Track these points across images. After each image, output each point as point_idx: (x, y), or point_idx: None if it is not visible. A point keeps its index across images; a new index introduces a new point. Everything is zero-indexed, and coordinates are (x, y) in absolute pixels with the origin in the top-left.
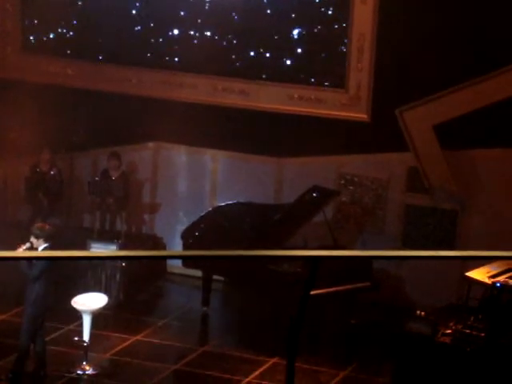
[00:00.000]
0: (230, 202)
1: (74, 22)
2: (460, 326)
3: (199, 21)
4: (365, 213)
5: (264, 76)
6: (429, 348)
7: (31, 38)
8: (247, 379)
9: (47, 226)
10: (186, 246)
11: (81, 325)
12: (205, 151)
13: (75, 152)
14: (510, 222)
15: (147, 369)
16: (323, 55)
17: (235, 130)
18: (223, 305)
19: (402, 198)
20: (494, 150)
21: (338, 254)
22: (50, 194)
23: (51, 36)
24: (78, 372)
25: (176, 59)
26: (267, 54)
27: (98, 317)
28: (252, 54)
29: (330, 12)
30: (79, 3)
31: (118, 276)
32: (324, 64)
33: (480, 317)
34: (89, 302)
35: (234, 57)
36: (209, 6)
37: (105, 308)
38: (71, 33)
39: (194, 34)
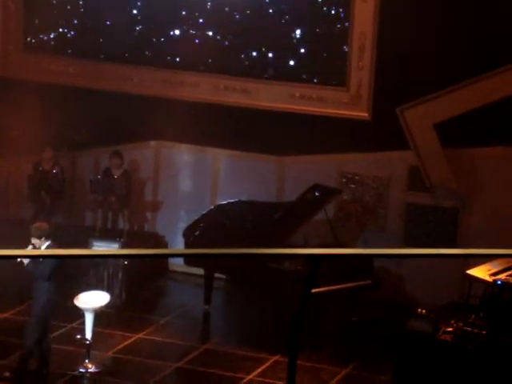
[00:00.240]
0: (232, 201)
1: (75, 21)
2: (461, 324)
3: (201, 20)
4: (366, 211)
5: (266, 75)
6: (430, 346)
7: (33, 37)
8: (249, 377)
9: (44, 225)
10: (187, 244)
11: (83, 323)
12: (206, 150)
13: (77, 151)
14: (511, 219)
15: (149, 367)
16: (325, 54)
17: (237, 128)
18: (225, 303)
19: (402, 197)
20: (494, 149)
21: (339, 253)
22: (53, 193)
23: (53, 35)
24: (81, 370)
25: (177, 59)
26: (269, 54)
27: (100, 315)
28: (254, 54)
29: (332, 12)
30: (80, 2)
31: (120, 274)
32: (325, 63)
33: (481, 315)
34: (91, 300)
35: (235, 56)
36: (210, 6)
37: (107, 306)
38: (73, 32)
39: (196, 33)
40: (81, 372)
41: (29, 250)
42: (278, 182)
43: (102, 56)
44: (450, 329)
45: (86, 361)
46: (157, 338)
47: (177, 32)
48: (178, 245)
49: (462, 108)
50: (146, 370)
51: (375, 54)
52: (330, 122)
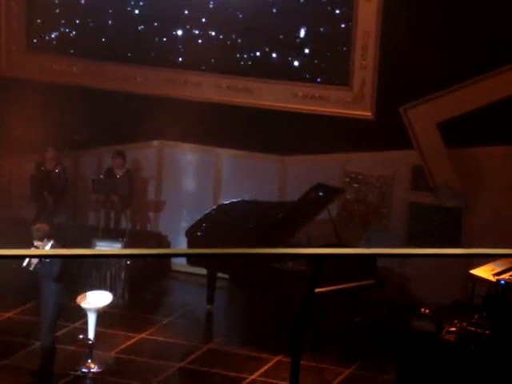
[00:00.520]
0: (235, 200)
1: (77, 21)
2: (464, 324)
3: (203, 20)
4: (369, 211)
5: (268, 74)
6: (433, 346)
7: (36, 36)
8: (252, 377)
9: (44, 227)
10: (190, 244)
11: (86, 323)
12: (209, 149)
13: (80, 150)
14: None
15: (152, 367)
16: (328, 54)
17: (239, 128)
18: (228, 303)
19: (406, 196)
20: (498, 148)
21: (342, 252)
22: (55, 193)
23: (56, 35)
24: (83, 370)
25: (180, 59)
26: (272, 53)
27: (103, 315)
28: (257, 53)
29: (336, 11)
30: (82, 2)
31: (122, 274)
32: (328, 62)
33: (484, 314)
34: (94, 300)
35: (238, 56)
36: (213, 5)
37: (110, 306)
38: (75, 32)
39: (199, 33)
40: (83, 372)
41: (32, 250)
42: (281, 182)
43: (105, 55)
44: (454, 328)
45: (89, 361)
46: (159, 338)
47: (179, 32)
48: (181, 244)
49: (465, 107)
50: (149, 370)
51: (378, 54)
52: (333, 121)
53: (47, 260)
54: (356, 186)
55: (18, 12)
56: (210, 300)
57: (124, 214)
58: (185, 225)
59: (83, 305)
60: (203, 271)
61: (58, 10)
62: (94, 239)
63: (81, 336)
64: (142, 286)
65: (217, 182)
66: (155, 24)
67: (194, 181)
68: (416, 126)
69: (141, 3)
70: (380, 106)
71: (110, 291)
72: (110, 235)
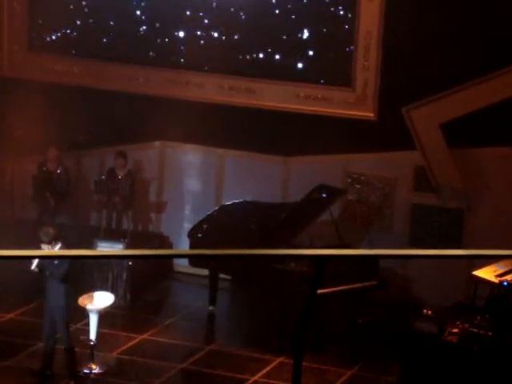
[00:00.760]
0: (237, 201)
1: (78, 22)
2: (467, 325)
3: (206, 21)
4: (371, 212)
5: (271, 75)
6: (436, 347)
7: (38, 37)
8: (254, 378)
9: (50, 230)
10: (192, 245)
11: (87, 324)
12: (211, 150)
13: (82, 151)
14: None
15: (154, 368)
16: (330, 54)
17: (242, 128)
18: (230, 304)
19: (408, 197)
20: (500, 149)
21: (344, 253)
22: (57, 193)
23: (57, 35)
24: (85, 371)
25: (182, 60)
26: (274, 54)
27: (104, 316)
28: (260, 54)
29: (339, 12)
30: (83, 3)
31: (124, 275)
32: (331, 63)
33: (487, 316)
34: (96, 300)
35: (240, 57)
36: (215, 6)
37: (111, 307)
38: (77, 32)
39: (201, 34)
40: (85, 373)
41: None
42: (283, 183)
43: (107, 56)
44: (456, 330)
45: (91, 361)
46: (161, 339)
47: (181, 32)
48: (183, 245)
49: (468, 108)
50: (151, 371)
51: (381, 54)
52: (335, 122)
53: (56, 262)
54: (358, 186)
55: (20, 12)
56: (212, 301)
57: (126, 215)
58: (187, 226)
59: (85, 305)
60: (205, 272)
61: (59, 11)
62: (95, 240)
63: (82, 337)
64: (144, 286)
65: (219, 183)
66: (157, 25)
67: (195, 181)
68: (418, 127)
69: (142, 4)
70: (382, 106)
71: (112, 292)
72: (112, 236)
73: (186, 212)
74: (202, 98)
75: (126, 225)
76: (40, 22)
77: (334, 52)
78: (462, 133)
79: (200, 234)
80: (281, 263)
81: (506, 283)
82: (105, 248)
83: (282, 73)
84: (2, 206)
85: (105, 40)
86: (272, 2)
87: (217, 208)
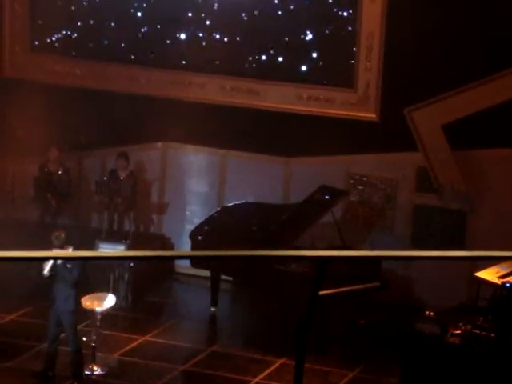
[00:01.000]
0: (238, 202)
1: (79, 23)
2: (469, 327)
3: (208, 22)
4: (373, 213)
5: (273, 76)
6: (438, 348)
7: (39, 38)
8: (256, 379)
9: (63, 234)
10: (194, 246)
11: (89, 325)
12: (213, 151)
13: (83, 152)
14: None
15: (155, 369)
16: (333, 55)
17: (244, 129)
18: (231, 305)
19: (410, 198)
20: (502, 150)
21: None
22: (59, 194)
23: (58, 36)
24: (86, 372)
25: (184, 62)
26: (277, 55)
27: (106, 317)
28: (262, 55)
29: (342, 13)
30: (84, 4)
31: (126, 276)
32: (333, 64)
33: (489, 317)
34: (97, 302)
35: (243, 58)
36: (217, 7)
37: (113, 308)
38: (78, 33)
39: (203, 35)
40: (86, 374)
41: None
42: (285, 184)
43: (108, 57)
44: (459, 331)
45: (92, 363)
46: (163, 341)
47: (183, 34)
48: (185, 247)
49: (470, 109)
50: (152, 373)
51: (383, 55)
52: (337, 123)
53: (69, 266)
54: (360, 188)
55: (22, 14)
56: (214, 302)
57: (127, 216)
58: (188, 227)
59: (86, 307)
60: (207, 273)
61: (60, 12)
62: (97, 241)
63: (84, 338)
64: (146, 288)
65: (221, 184)
66: (158, 26)
67: (197, 182)
68: (421, 128)
69: (144, 5)
70: (384, 107)
71: (114, 293)
72: (114, 237)
73: (188, 213)
74: (203, 99)
75: (128, 226)
76: (40, 22)
77: (337, 53)
78: (463, 134)
79: (201, 236)
80: (282, 264)
81: (508, 284)
82: (106, 249)
83: (284, 74)
84: (2, 206)
85: (106, 41)
86: (274, 3)
87: (218, 209)
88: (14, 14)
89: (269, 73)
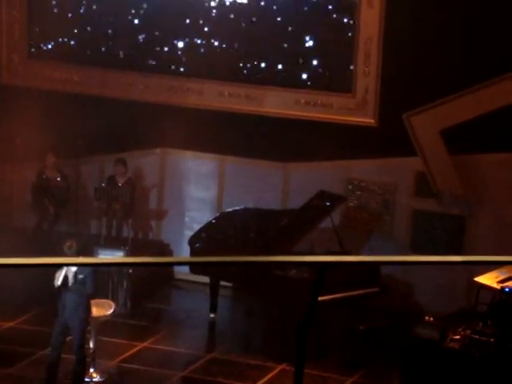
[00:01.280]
0: (237, 208)
1: (75, 30)
2: (469, 332)
3: (206, 29)
4: (372, 218)
5: (271, 81)
6: (437, 354)
7: (37, 45)
8: None
9: (74, 243)
10: (193, 252)
11: (88, 331)
12: (211, 157)
13: (82, 158)
14: None
15: (155, 376)
16: (331, 61)
17: (242, 135)
18: (231, 311)
19: (409, 203)
20: (501, 155)
21: (345, 260)
22: (56, 201)
23: (56, 44)
24: (86, 379)
25: (182, 69)
26: (276, 61)
27: (105, 324)
28: (260, 61)
29: (341, 19)
30: (81, 11)
31: (124, 283)
32: (331, 69)
33: (489, 322)
34: (96, 308)
35: (241, 64)
36: (216, 14)
37: (112, 315)
38: (76, 41)
39: (201, 42)
40: (86, 381)
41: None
42: (284, 189)
43: (106, 64)
44: (458, 336)
45: (91, 370)
46: (162, 347)
47: (181, 41)
48: (184, 253)
49: (468, 114)
50: (152, 379)
51: (381, 60)
52: (335, 128)
53: (81, 276)
54: (359, 193)
55: (19, 20)
56: (213, 308)
57: (126, 223)
58: (187, 233)
59: None
60: (206, 279)
61: (58, 19)
62: (95, 247)
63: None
64: (145, 294)
65: (220, 190)
66: (156, 33)
67: (196, 188)
68: (419, 133)
69: (141, 12)
70: (383, 112)
71: (112, 300)
72: (112, 243)
73: (187, 219)
74: (202, 105)
75: (127, 232)
76: (37, 30)
77: (337, 59)
78: (462, 139)
79: (199, 243)
80: (282, 270)
81: (507, 289)
82: (105, 256)
83: (282, 79)
84: (0, 213)
85: (103, 48)
86: (273, 10)
87: (217, 215)
88: (12, 21)
89: (267, 79)
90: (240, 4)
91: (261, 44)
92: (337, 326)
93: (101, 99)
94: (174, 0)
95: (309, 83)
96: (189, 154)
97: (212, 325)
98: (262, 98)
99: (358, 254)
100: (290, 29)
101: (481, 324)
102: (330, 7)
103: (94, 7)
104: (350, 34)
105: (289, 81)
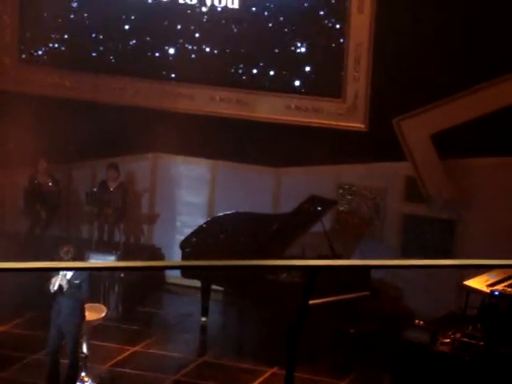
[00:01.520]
0: (229, 212)
1: (65, 36)
2: (459, 335)
3: (197, 35)
4: (363, 222)
5: (262, 87)
6: (428, 357)
7: (28, 50)
8: None
9: (72, 249)
10: (184, 257)
11: (80, 336)
12: (203, 161)
13: (73, 163)
14: (508, 230)
15: (146, 380)
16: (322, 66)
17: (233, 140)
18: (222, 315)
19: (399, 208)
20: (491, 159)
21: (336, 264)
22: (48, 205)
23: (47, 49)
24: (77, 383)
25: (173, 75)
26: (267, 67)
27: (97, 328)
28: (251, 66)
29: (330, 24)
30: (72, 16)
31: (116, 287)
32: (322, 74)
33: (479, 326)
34: (88, 312)
35: (232, 70)
36: (207, 19)
37: (104, 319)
38: (66, 46)
39: (192, 48)
40: None
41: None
42: (275, 194)
43: (97, 69)
44: (448, 340)
45: (83, 374)
46: (154, 351)
47: (172, 47)
48: (175, 257)
49: (458, 119)
50: (143, 383)
51: (371, 65)
52: (326, 133)
53: (76, 282)
54: (350, 197)
55: (11, 25)
56: (205, 312)
57: (118, 227)
58: (179, 237)
59: None
60: (197, 284)
61: (49, 24)
62: (87, 252)
63: None
64: (136, 298)
65: (211, 194)
66: (147, 39)
67: (187, 193)
68: (409, 138)
69: (132, 17)
70: (373, 117)
71: (104, 304)
72: (104, 248)
73: (178, 223)
74: (193, 110)
75: (118, 237)
76: (29, 35)
77: (328, 65)
78: (452, 143)
79: (191, 247)
80: (273, 274)
81: (497, 293)
82: (97, 260)
83: (272, 84)
84: None
85: (94, 54)
86: (265, 16)
87: (209, 219)
88: (3, 26)
89: (258, 84)
90: (231, 10)
91: (252, 49)
92: (327, 330)
93: (92, 104)
94: (165, 6)
95: (300, 89)
96: (180, 158)
97: (203, 329)
98: (253, 103)
99: (348, 258)
100: (281, 34)
101: (471, 327)
102: (322, 13)
103: (85, 13)
104: (341, 40)
105: (280, 86)
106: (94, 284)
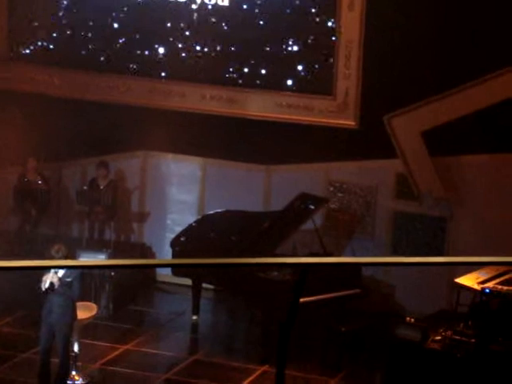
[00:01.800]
0: (219, 210)
1: (54, 34)
2: (450, 333)
3: (187, 33)
4: (354, 220)
5: (253, 84)
6: (419, 355)
7: (17, 48)
8: None
9: (63, 247)
10: (175, 255)
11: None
12: (193, 159)
13: (63, 161)
14: (499, 227)
15: (137, 378)
16: (312, 64)
17: (223, 137)
18: (213, 313)
19: (390, 205)
20: (482, 156)
21: (327, 261)
22: (38, 204)
23: (36, 47)
24: (68, 382)
25: (163, 73)
26: (258, 64)
27: (87, 326)
28: (242, 64)
29: (329, 23)
30: (60, 14)
31: (107, 285)
32: (312, 72)
33: (470, 323)
34: (78, 311)
35: (223, 68)
36: (197, 17)
37: (94, 317)
38: (55, 44)
39: (182, 46)
40: None
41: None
42: (266, 191)
43: (86, 67)
44: (439, 337)
45: (73, 373)
46: (145, 349)
47: (162, 45)
48: (166, 255)
49: (449, 116)
50: (134, 382)
51: (362, 63)
52: (316, 130)
53: (68, 280)
54: (340, 195)
55: (0, 23)
56: (196, 310)
57: (108, 225)
58: (169, 235)
59: None
60: (188, 282)
61: (37, 23)
62: (77, 250)
63: None
64: (127, 297)
65: (201, 192)
66: (137, 37)
67: (178, 191)
68: (400, 135)
69: (122, 15)
70: (364, 115)
71: (95, 302)
72: (94, 246)
73: (169, 222)
74: (183, 108)
75: (109, 235)
76: (18, 33)
77: (316, 61)
78: (443, 140)
79: (183, 244)
80: (264, 272)
81: (488, 290)
82: (87, 258)
83: (263, 82)
84: None
85: (83, 52)
86: (255, 13)
87: (199, 217)
88: None
89: (249, 82)
90: (221, 7)
91: (243, 47)
92: (318, 328)
93: (82, 102)
94: (155, 3)
95: (291, 87)
96: (170, 156)
97: (194, 327)
98: (243, 100)
99: (339, 255)
100: (271, 32)
101: (462, 325)
102: (313, 10)
103: (74, 10)
104: (333, 38)
105: (271, 84)
106: (84, 282)
